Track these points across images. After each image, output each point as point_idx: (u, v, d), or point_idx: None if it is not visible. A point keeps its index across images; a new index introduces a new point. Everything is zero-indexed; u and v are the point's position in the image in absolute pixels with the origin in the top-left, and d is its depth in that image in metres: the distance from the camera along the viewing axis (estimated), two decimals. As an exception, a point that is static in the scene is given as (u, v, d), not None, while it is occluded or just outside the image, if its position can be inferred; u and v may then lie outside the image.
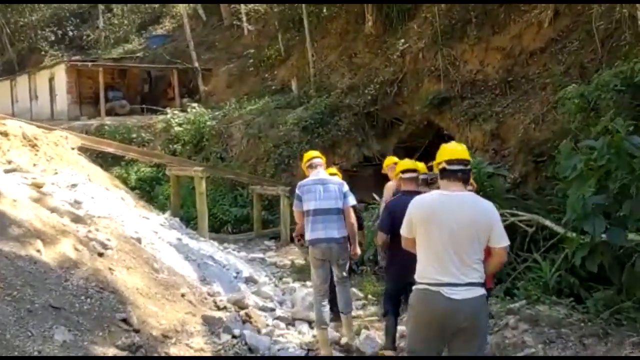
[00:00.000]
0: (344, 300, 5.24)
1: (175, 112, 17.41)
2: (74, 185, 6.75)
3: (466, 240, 3.10)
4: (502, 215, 7.04)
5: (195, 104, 17.55)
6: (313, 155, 5.45)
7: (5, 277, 3.56)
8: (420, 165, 5.47)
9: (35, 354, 3.09)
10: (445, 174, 3.23)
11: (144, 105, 21.43)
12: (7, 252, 3.83)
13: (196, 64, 20.66)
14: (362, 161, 14.25)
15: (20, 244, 4.01)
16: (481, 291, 3.17)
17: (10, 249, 3.88)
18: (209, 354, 4.30)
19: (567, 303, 5.90)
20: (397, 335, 4.95)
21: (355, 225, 5.19)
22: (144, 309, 4.25)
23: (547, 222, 7.19)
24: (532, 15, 11.76)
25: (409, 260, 4.14)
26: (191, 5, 24.60)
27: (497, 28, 12.53)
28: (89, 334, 3.53)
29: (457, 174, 3.20)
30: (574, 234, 5.90)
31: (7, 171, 6.14)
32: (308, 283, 7.70)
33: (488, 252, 3.26)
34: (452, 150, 3.29)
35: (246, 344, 4.71)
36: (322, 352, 4.94)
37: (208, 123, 16.15)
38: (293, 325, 5.77)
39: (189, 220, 12.06)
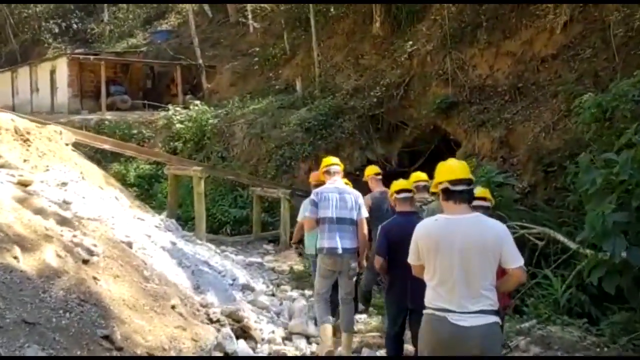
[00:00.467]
0: (346, 320, 5.09)
1: (177, 109, 17.14)
2: (64, 184, 6.44)
3: (476, 265, 2.98)
4: (511, 227, 6.82)
5: (197, 102, 17.26)
6: (332, 162, 5.40)
7: (-25, 287, 3.26)
8: (423, 176, 5.56)
9: (3, 375, 2.79)
10: (448, 195, 3.10)
11: (145, 101, 21.15)
12: (-20, 259, 3.53)
13: (200, 61, 20.37)
14: (366, 165, 13.92)
15: (-4, 250, 3.70)
16: (493, 319, 3.00)
17: (-16, 256, 3.58)
18: (197, 373, 4.00)
19: (581, 325, 5.62)
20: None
21: (367, 237, 5.19)
22: (130, 323, 3.94)
23: (559, 237, 6.90)
24: (545, 21, 11.45)
25: (408, 284, 4.07)
26: (197, 0, 24.31)
27: (508, 33, 12.24)
28: (65, 352, 3.21)
29: (462, 194, 3.08)
30: (589, 251, 5.60)
31: (-6, 167, 5.84)
32: (307, 292, 7.44)
33: (502, 271, 3.12)
34: (453, 170, 3.16)
35: (239, 361, 4.41)
36: (325, 346, 4.86)
37: (210, 121, 15.88)
38: (290, 340, 5.47)
39: (187, 221, 11.80)
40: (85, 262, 4.33)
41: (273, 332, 5.50)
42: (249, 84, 18.99)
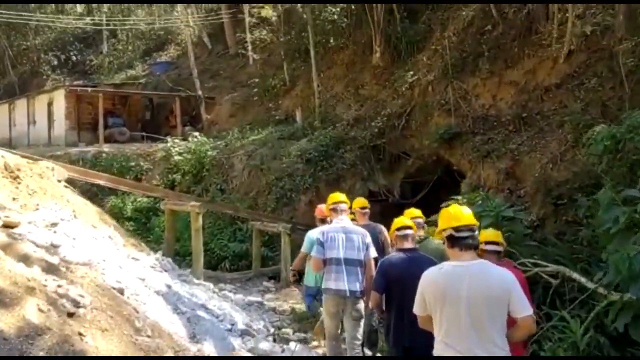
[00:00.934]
0: None
1: (176, 140, 16.98)
2: (54, 224, 6.11)
3: (484, 316, 2.97)
4: (523, 265, 6.48)
5: (197, 133, 17.09)
6: (339, 199, 5.27)
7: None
8: (416, 212, 5.78)
9: None
10: (453, 242, 3.11)
11: (144, 133, 20.97)
12: (-47, 318, 3.19)
13: (199, 92, 20.29)
14: (368, 196, 13.61)
15: (-29, 306, 3.36)
16: None
17: (-43, 314, 3.23)
18: None
19: (605, 374, 5.23)
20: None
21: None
22: (117, 384, 3.58)
23: (575, 275, 6.53)
24: (548, 50, 11.31)
25: (407, 324, 4.00)
26: (196, 32, 24.41)
27: (510, 62, 12.10)
28: None
29: (468, 240, 3.09)
30: (615, 294, 5.25)
31: (-21, 208, 5.53)
32: (309, 334, 7.07)
33: (512, 320, 3.07)
34: (458, 216, 3.16)
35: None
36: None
37: (209, 153, 15.68)
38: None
39: (184, 256, 11.44)
40: (70, 315, 3.97)
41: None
42: (248, 115, 18.86)
